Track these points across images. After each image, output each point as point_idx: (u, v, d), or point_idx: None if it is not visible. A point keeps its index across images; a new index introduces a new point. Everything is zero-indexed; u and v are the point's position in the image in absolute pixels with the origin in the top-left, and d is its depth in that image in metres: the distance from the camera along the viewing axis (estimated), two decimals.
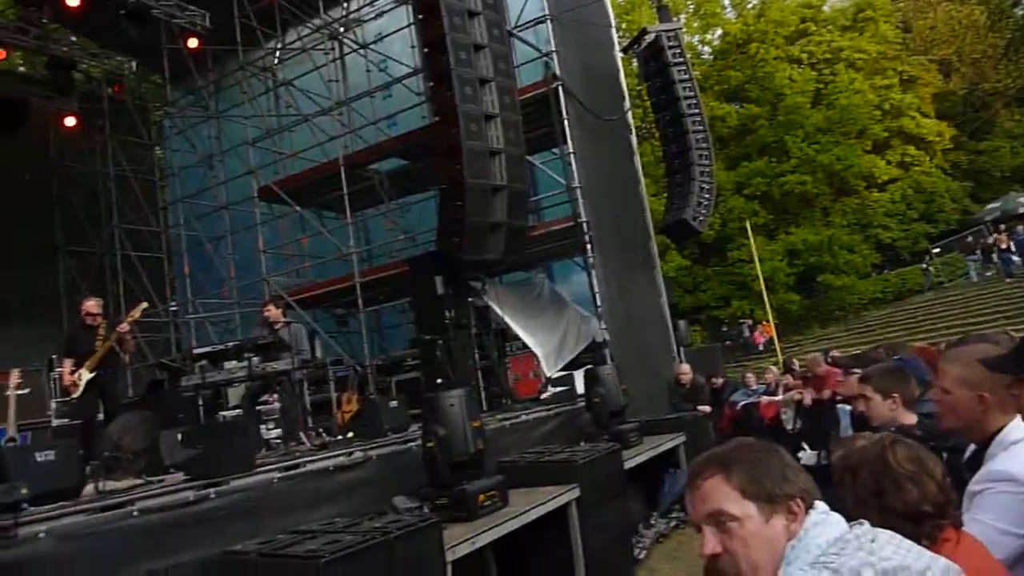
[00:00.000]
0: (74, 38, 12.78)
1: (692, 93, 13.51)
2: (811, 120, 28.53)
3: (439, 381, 7.97)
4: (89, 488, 4.84)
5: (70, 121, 12.64)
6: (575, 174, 10.15)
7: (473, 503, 5.38)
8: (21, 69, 13.77)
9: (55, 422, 7.95)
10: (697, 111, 13.52)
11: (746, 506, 1.42)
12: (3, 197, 12.25)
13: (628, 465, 7.35)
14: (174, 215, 14.30)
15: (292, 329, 7.32)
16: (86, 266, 13.07)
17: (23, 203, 12.77)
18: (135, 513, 4.20)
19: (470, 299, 9.81)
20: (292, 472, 5.18)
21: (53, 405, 8.14)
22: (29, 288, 12.00)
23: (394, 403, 7.52)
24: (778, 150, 28.57)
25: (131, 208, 13.49)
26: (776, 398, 8.77)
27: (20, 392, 7.20)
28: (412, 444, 6.22)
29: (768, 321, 22.04)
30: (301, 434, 6.78)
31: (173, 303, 13.97)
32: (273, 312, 7.41)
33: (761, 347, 24.71)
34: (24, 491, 3.60)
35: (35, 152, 13.02)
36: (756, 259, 21.67)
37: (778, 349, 20.60)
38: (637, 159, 13.53)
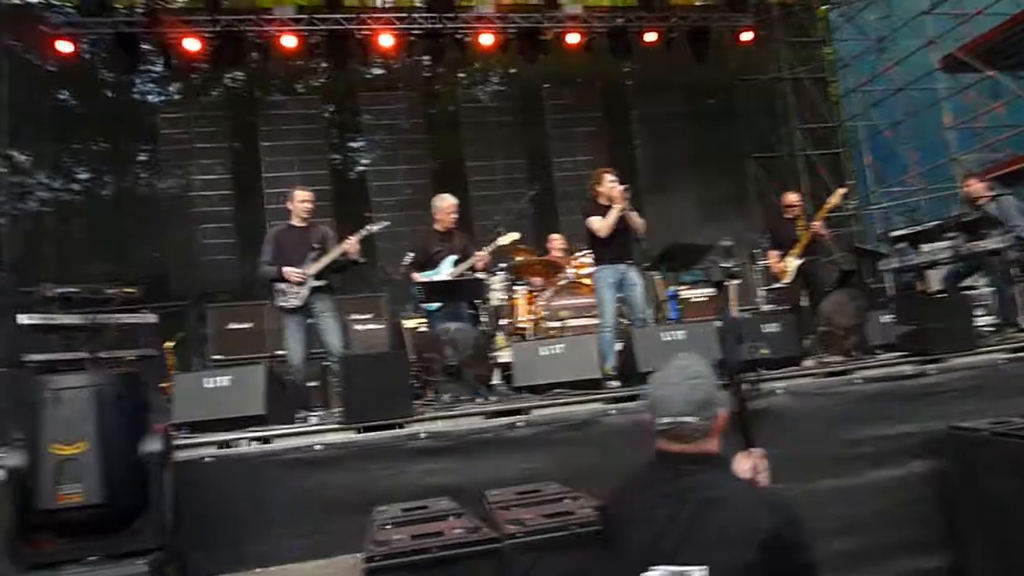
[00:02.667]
0: None
1: None
2: None
3: None
4: (807, 361, 5.34)
5: (746, 36, 13.58)
6: None
7: None
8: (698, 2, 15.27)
9: (764, 308, 8.95)
10: None
11: None
12: (697, 119, 14.09)
13: None
14: (848, 107, 14.16)
15: (1001, 203, 6.54)
16: (771, 169, 14.06)
17: (713, 121, 14.43)
18: (857, 381, 4.47)
19: None
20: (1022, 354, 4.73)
21: (762, 292, 9.15)
22: (724, 194, 13.57)
23: None
24: None
25: (806, 108, 13.89)
26: None
27: (735, 282, 8.30)
28: None
29: None
30: (1021, 319, 6.08)
31: (852, 198, 13.94)
32: (975, 186, 6.75)
33: None
34: (764, 351, 4.18)
35: (718, 73, 14.46)
36: None
37: None
38: None
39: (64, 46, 11.09)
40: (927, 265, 6.92)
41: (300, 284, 5.82)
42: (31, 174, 11.92)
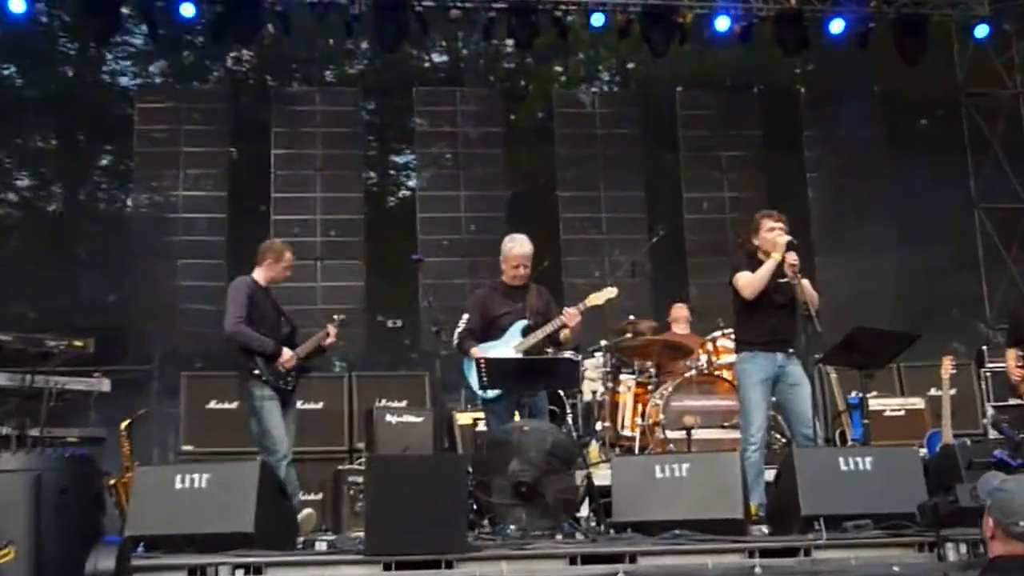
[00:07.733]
0: None
1: None
2: None
3: None
4: None
5: (980, 31, 13.26)
6: None
7: None
8: None
9: (991, 434, 8.61)
10: None
11: None
12: (900, 147, 13.72)
13: None
14: None
15: None
16: (1010, 225, 13.51)
17: (924, 151, 13.97)
18: None
19: None
20: None
21: (989, 410, 8.84)
22: (936, 258, 13.19)
23: None
24: None
25: None
26: None
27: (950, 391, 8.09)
28: None
29: None
30: None
31: None
32: None
33: None
34: None
35: (935, 83, 14.13)
36: None
37: None
38: None
39: (15, 4, 11.79)
40: None
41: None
42: None
